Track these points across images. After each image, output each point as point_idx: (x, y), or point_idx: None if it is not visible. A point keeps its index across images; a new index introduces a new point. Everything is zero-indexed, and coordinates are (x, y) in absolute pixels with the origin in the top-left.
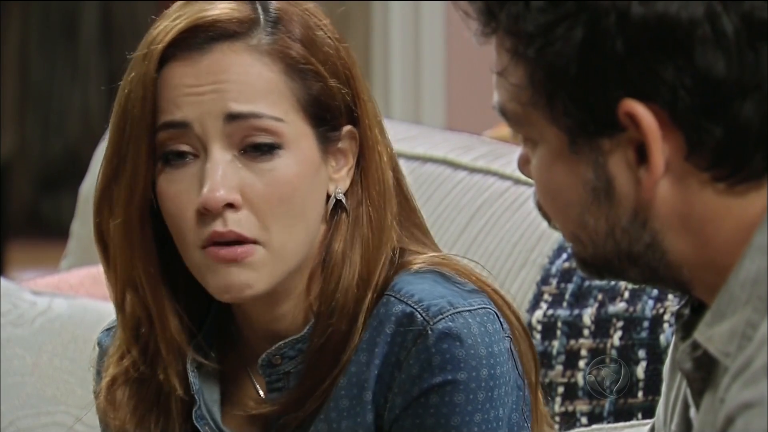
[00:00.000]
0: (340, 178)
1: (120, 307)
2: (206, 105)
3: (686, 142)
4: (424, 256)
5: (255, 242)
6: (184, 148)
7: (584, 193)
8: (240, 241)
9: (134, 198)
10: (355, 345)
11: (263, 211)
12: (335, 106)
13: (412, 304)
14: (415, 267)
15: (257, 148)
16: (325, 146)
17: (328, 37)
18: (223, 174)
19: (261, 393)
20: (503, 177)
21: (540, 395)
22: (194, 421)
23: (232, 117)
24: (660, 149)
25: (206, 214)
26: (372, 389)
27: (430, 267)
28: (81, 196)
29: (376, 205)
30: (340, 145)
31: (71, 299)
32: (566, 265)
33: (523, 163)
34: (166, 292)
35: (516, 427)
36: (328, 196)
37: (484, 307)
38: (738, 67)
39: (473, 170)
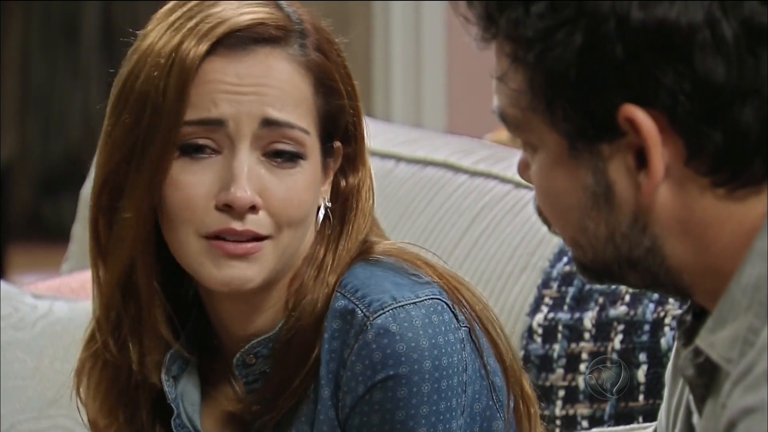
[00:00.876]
0: (325, 190)
1: (101, 287)
2: (245, 106)
3: (686, 147)
4: (381, 246)
5: (267, 238)
6: (208, 143)
7: (584, 198)
8: (254, 238)
9: (154, 190)
10: (320, 341)
11: (279, 215)
12: (342, 124)
13: (354, 300)
14: (369, 257)
15: (281, 155)
16: (325, 160)
17: (339, 55)
18: (249, 175)
19: (239, 393)
20: (504, 180)
21: (525, 381)
22: (174, 429)
23: (268, 122)
24: (660, 154)
25: (221, 210)
26: (328, 386)
27: (384, 257)
28: (82, 199)
29: (362, 217)
30: (333, 157)
31: (72, 302)
32: (567, 268)
33: (523, 168)
34: (158, 288)
35: (479, 416)
36: (317, 208)
37: (431, 298)
38: (737, 73)
39: (474, 174)
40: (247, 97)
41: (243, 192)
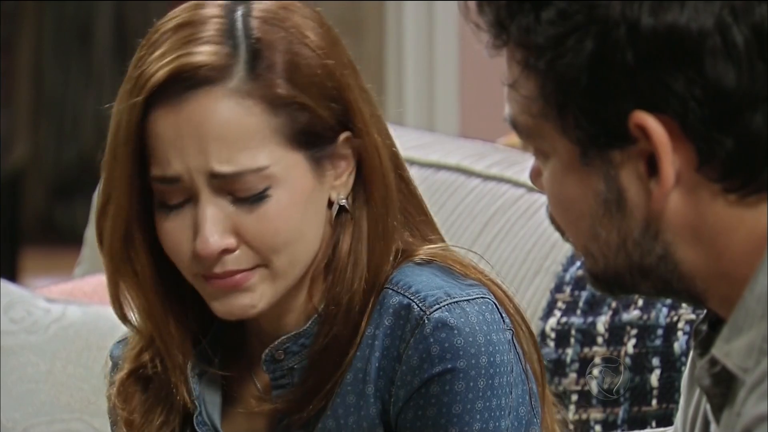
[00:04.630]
0: (341, 183)
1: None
2: (191, 161)
3: (697, 153)
4: (425, 248)
5: (254, 268)
6: (178, 199)
7: (595, 205)
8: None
9: (115, 236)
10: (359, 342)
11: (259, 247)
12: (326, 126)
13: (409, 296)
14: (415, 259)
15: (246, 199)
16: (320, 162)
17: (315, 53)
18: (213, 222)
19: (261, 391)
20: (517, 185)
21: (548, 394)
22: (195, 426)
23: (216, 176)
24: (670, 161)
25: (200, 260)
26: (374, 382)
27: (430, 259)
28: (95, 203)
29: (379, 207)
30: (339, 151)
31: (85, 306)
32: (580, 272)
33: (535, 176)
34: (168, 310)
35: (525, 420)
36: (331, 203)
37: (482, 297)
38: (748, 78)
39: (487, 178)
40: (190, 151)
41: (205, 244)
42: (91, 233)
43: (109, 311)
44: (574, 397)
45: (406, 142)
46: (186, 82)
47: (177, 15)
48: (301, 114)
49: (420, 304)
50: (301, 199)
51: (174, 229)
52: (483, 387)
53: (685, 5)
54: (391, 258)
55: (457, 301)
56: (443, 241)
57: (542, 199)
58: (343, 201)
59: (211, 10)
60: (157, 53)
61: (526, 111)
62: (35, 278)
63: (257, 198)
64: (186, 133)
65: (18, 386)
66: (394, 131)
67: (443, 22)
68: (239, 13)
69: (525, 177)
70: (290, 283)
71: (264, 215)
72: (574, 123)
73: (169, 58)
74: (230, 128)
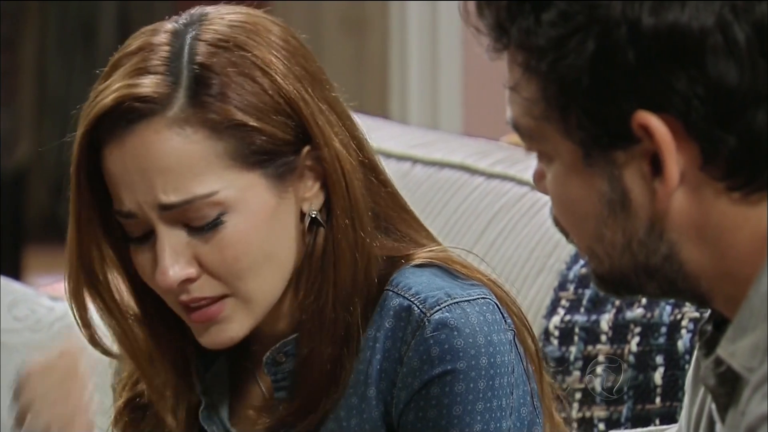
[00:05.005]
0: (312, 195)
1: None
2: (139, 195)
3: (701, 152)
4: (425, 250)
5: (223, 296)
6: (139, 233)
7: (600, 205)
8: (209, 301)
9: (73, 266)
10: (358, 345)
11: (222, 275)
12: (280, 142)
13: (409, 297)
14: (415, 261)
15: (200, 228)
16: (283, 177)
17: (265, 72)
18: (171, 254)
19: (266, 395)
20: (520, 182)
21: (548, 391)
22: (201, 421)
23: (165, 208)
24: (674, 160)
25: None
26: (375, 384)
27: (430, 260)
28: None
29: (342, 218)
30: (304, 163)
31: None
32: (583, 270)
33: (539, 179)
34: (160, 327)
35: (527, 421)
36: (303, 214)
37: (483, 297)
38: (750, 76)
39: (490, 176)
40: (137, 185)
41: (164, 276)
42: None
43: None
44: (578, 395)
45: (410, 140)
46: (128, 114)
47: (133, 41)
48: (250, 135)
49: (420, 306)
50: (262, 220)
51: (142, 261)
52: (483, 388)
53: (686, 4)
54: (365, 262)
55: (457, 302)
56: (432, 239)
57: (546, 197)
58: (315, 213)
59: (162, 36)
60: (106, 83)
61: (528, 113)
62: (39, 276)
63: (212, 226)
64: (131, 168)
65: None
66: (397, 129)
67: (447, 21)
68: (189, 36)
69: (528, 175)
70: (269, 304)
71: (221, 243)
72: (576, 124)
73: (113, 88)
74: (172, 158)
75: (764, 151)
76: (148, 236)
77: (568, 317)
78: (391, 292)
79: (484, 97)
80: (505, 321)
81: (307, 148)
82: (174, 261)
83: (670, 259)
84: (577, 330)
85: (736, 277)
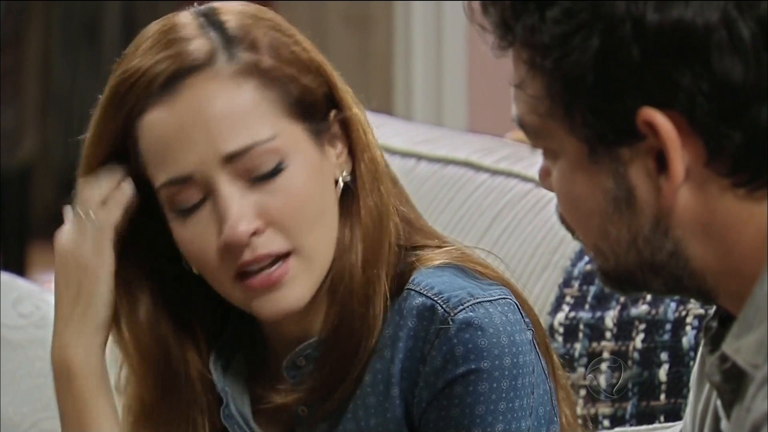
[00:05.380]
0: (342, 161)
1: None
2: (200, 150)
3: (706, 148)
4: (443, 251)
5: (288, 253)
6: (193, 200)
7: (605, 202)
8: (274, 260)
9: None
10: (376, 338)
11: (287, 225)
12: (317, 99)
13: (432, 297)
14: (435, 262)
15: (263, 176)
16: (320, 138)
17: (291, 38)
18: (239, 207)
19: (285, 395)
20: (525, 179)
21: (566, 391)
22: (222, 421)
23: (230, 158)
24: (679, 156)
25: (231, 250)
26: (398, 384)
27: (450, 262)
28: None
29: (371, 183)
30: (332, 130)
31: None
32: (588, 267)
33: (544, 176)
34: (177, 323)
35: (544, 420)
36: (335, 183)
37: (504, 298)
38: (755, 72)
39: (495, 172)
40: (197, 141)
41: (234, 229)
42: None
43: None
44: (583, 392)
45: (415, 136)
46: (175, 75)
47: (151, 28)
48: (292, 85)
49: (444, 305)
50: (315, 172)
51: (196, 233)
52: (506, 388)
53: (690, 1)
54: (389, 234)
55: (480, 302)
56: (436, 234)
57: (550, 193)
58: (348, 177)
59: (182, 17)
60: (136, 61)
61: (533, 111)
62: (43, 273)
63: (274, 172)
64: (188, 124)
65: (26, 381)
66: (402, 126)
67: (451, 17)
68: (212, 13)
69: (533, 172)
70: (324, 268)
71: (285, 190)
72: (581, 121)
73: (151, 59)
74: (228, 107)
75: None
76: (199, 205)
77: (572, 314)
78: (413, 292)
79: (488, 93)
80: (524, 321)
81: (334, 112)
82: (242, 214)
83: (676, 255)
84: (581, 327)
85: (742, 274)
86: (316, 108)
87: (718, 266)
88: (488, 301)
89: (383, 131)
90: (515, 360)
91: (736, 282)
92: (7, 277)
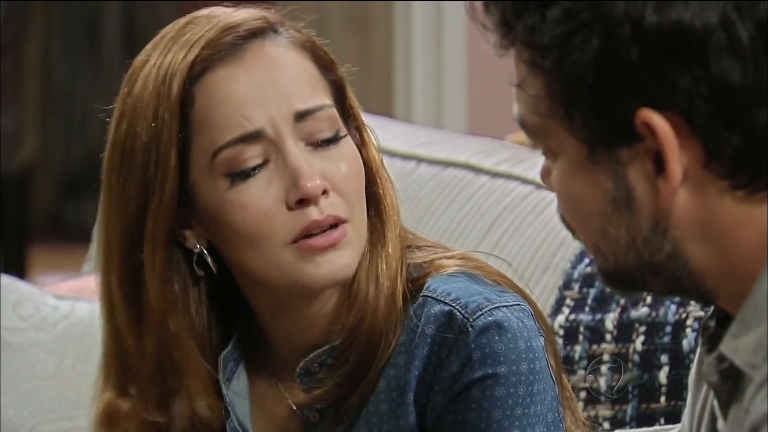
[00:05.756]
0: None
1: (139, 346)
2: (274, 107)
3: (704, 150)
4: (454, 259)
5: (346, 221)
6: (255, 161)
7: (604, 203)
8: (335, 224)
9: (163, 236)
10: (392, 345)
11: (347, 192)
12: (345, 93)
13: (450, 303)
14: (448, 270)
15: (325, 141)
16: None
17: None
18: (309, 164)
19: (293, 406)
20: (525, 181)
21: (568, 396)
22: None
23: (301, 116)
24: (677, 158)
25: (296, 209)
26: (413, 391)
27: (461, 270)
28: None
29: (378, 183)
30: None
31: (94, 303)
32: (588, 269)
33: (545, 175)
34: (195, 327)
35: (553, 426)
36: None
37: (518, 304)
38: (754, 74)
39: (495, 175)
40: (270, 97)
41: (313, 181)
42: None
43: None
44: (583, 394)
45: (415, 139)
46: (245, 31)
47: (180, 22)
48: (332, 72)
49: (462, 311)
50: (357, 156)
51: (256, 194)
52: (523, 393)
53: (689, 2)
54: (398, 230)
55: (498, 306)
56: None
57: (550, 196)
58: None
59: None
60: (195, 29)
61: (533, 110)
62: (44, 275)
63: (335, 139)
64: (261, 80)
65: (26, 383)
66: (402, 129)
67: (451, 19)
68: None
69: (533, 174)
70: (362, 249)
71: (344, 157)
72: (581, 121)
73: (214, 23)
74: (298, 69)
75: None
76: (258, 167)
77: (572, 316)
78: (430, 299)
79: (488, 96)
80: (537, 327)
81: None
82: (312, 170)
83: (675, 256)
84: (581, 329)
85: (741, 275)
86: (343, 99)
87: (717, 268)
88: (505, 306)
89: (383, 134)
90: (531, 366)
91: (736, 283)
92: (7, 280)
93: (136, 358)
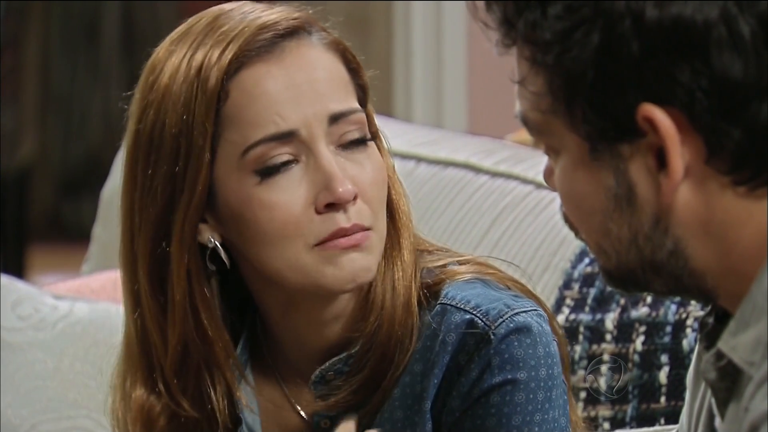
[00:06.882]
0: None
1: (167, 344)
2: (309, 107)
3: (705, 145)
4: (467, 265)
5: (370, 229)
6: (286, 157)
7: (606, 200)
8: (360, 228)
9: (191, 230)
10: (409, 352)
11: (373, 199)
12: (368, 97)
13: (470, 310)
14: (464, 277)
15: (353, 143)
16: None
17: None
18: (341, 168)
19: (303, 414)
20: (525, 181)
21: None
22: None
23: (335, 118)
24: (679, 153)
25: (324, 212)
26: (431, 398)
27: (476, 276)
28: (102, 200)
29: (392, 189)
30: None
31: (93, 303)
32: (588, 269)
33: (548, 175)
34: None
35: (566, 431)
36: None
37: (535, 309)
38: (755, 69)
39: (495, 174)
40: (306, 97)
41: (345, 186)
42: (98, 230)
43: (117, 308)
44: (583, 394)
45: (415, 138)
46: (280, 34)
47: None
48: (360, 78)
49: (483, 319)
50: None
51: (284, 193)
52: (542, 399)
53: None
54: (412, 237)
55: (518, 312)
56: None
57: (550, 195)
58: None
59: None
60: (230, 24)
61: (535, 107)
62: (43, 275)
63: (362, 142)
64: (298, 80)
65: (25, 383)
66: (402, 128)
67: (451, 19)
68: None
69: (533, 174)
70: (381, 255)
71: (371, 162)
72: (582, 118)
73: (250, 19)
74: (332, 71)
75: None
76: (288, 165)
77: (572, 316)
78: (449, 306)
79: (488, 95)
80: (552, 332)
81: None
82: (344, 175)
83: (676, 254)
84: (582, 329)
85: (741, 274)
86: (365, 104)
87: (717, 266)
88: (524, 311)
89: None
90: (550, 371)
91: (736, 282)
92: (6, 280)
93: (161, 352)
